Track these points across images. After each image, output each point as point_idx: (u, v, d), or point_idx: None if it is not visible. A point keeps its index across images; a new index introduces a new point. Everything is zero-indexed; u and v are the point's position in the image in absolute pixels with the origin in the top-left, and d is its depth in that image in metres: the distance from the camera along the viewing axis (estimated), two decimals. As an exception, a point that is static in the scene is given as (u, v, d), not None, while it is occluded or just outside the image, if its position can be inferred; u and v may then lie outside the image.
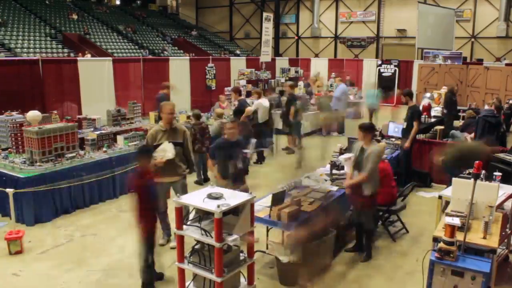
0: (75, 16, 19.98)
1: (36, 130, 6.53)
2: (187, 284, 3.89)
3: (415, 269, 5.00)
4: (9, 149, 7.09)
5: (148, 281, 4.43)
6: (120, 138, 8.00)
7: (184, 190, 5.17)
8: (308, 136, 11.52)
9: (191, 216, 3.86)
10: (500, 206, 4.52)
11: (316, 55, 26.60)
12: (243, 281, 3.97)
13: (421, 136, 9.52)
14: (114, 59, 13.49)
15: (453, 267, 3.57)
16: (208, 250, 3.63)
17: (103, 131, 7.88)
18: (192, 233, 3.70)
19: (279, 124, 10.85)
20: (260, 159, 9.65)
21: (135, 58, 15.64)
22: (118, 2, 29.89)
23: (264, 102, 9.84)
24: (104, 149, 7.51)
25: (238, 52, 26.34)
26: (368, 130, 5.30)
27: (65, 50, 18.09)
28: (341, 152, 7.20)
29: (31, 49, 16.70)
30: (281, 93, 12.57)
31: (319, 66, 22.00)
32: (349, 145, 7.29)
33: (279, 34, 26.23)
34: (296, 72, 19.49)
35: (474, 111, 10.42)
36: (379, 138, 7.95)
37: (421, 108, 11.24)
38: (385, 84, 18.07)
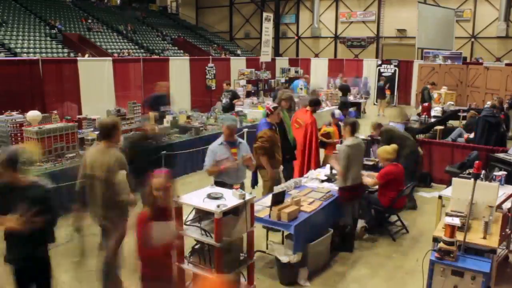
0: None
1: (36, 130, 6.53)
2: (187, 284, 3.89)
3: (415, 269, 5.00)
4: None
5: None
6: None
7: None
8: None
9: (191, 216, 3.86)
10: (500, 206, 4.52)
11: (316, 55, 26.59)
12: (243, 281, 3.97)
13: (421, 136, 9.54)
14: (114, 59, 13.50)
15: (453, 267, 3.57)
16: (208, 250, 3.63)
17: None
18: (192, 233, 3.70)
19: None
20: None
21: (135, 58, 15.64)
22: (118, 2, 29.85)
23: None
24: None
25: (239, 52, 26.33)
26: (344, 125, 5.54)
27: (65, 50, 18.08)
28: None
29: (31, 49, 16.68)
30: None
31: (319, 66, 22.00)
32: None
33: (279, 34, 26.21)
34: (296, 72, 19.50)
35: (477, 111, 10.42)
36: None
37: (420, 108, 11.31)
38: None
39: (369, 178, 5.92)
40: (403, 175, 6.04)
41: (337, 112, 7.94)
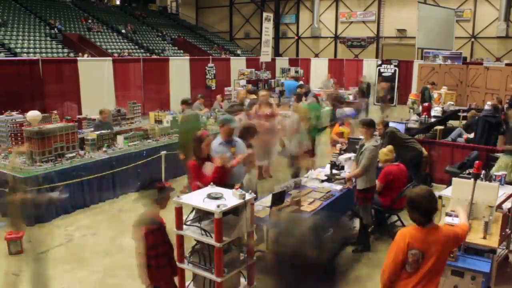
0: None
1: (36, 130, 6.53)
2: (187, 284, 3.89)
3: (415, 269, 4.99)
4: (9, 149, 7.09)
5: None
6: (120, 138, 7.99)
7: None
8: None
9: (191, 216, 3.86)
10: (500, 206, 4.52)
11: (316, 55, 26.59)
12: (243, 281, 3.97)
13: (421, 136, 9.52)
14: (114, 59, 13.51)
15: (453, 267, 3.57)
16: (208, 250, 3.62)
17: (103, 131, 7.88)
18: (192, 233, 3.70)
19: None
20: None
21: (135, 58, 15.66)
22: (118, 2, 29.85)
23: None
24: (104, 149, 7.51)
25: (239, 52, 26.33)
26: (367, 125, 5.44)
27: (65, 50, 18.09)
28: (341, 152, 7.20)
29: (31, 49, 16.69)
30: None
31: (319, 66, 21.99)
32: (349, 145, 7.29)
33: (279, 34, 26.22)
34: (296, 72, 19.49)
35: (477, 111, 10.39)
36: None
37: (420, 109, 11.29)
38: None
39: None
40: (405, 175, 6.03)
41: (347, 109, 7.98)
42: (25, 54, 15.87)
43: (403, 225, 6.16)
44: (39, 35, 18.68)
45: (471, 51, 22.37)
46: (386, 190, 5.84)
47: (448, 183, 5.59)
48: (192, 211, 3.87)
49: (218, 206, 3.44)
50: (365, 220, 5.54)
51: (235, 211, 3.69)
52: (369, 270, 5.13)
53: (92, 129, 8.20)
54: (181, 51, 23.11)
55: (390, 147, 6.06)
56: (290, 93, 12.81)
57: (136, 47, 21.71)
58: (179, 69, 15.03)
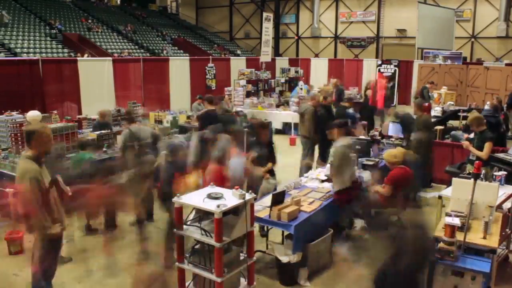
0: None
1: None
2: (187, 284, 3.89)
3: (415, 269, 4.98)
4: (9, 149, 7.09)
5: None
6: (120, 138, 7.98)
7: None
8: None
9: (191, 216, 3.86)
10: (500, 206, 4.52)
11: (316, 55, 26.59)
12: (243, 281, 3.97)
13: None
14: (114, 59, 13.51)
15: (453, 267, 3.58)
16: (208, 250, 3.62)
17: (103, 131, 7.88)
18: (192, 233, 3.70)
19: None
20: None
21: (135, 58, 15.66)
22: (118, 2, 29.84)
23: None
24: (104, 149, 7.50)
25: (239, 52, 26.33)
26: (334, 126, 5.66)
27: (65, 50, 18.09)
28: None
29: (31, 49, 16.69)
30: None
31: (319, 66, 21.98)
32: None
33: (279, 34, 26.22)
34: (296, 72, 19.49)
35: (478, 111, 10.36)
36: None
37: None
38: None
39: (379, 187, 5.81)
40: (411, 179, 5.90)
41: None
42: (25, 54, 15.86)
43: (403, 225, 6.15)
44: (39, 35, 18.68)
45: (471, 51, 22.38)
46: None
47: (448, 183, 5.59)
48: (192, 211, 3.87)
49: (218, 206, 3.44)
50: (340, 221, 5.52)
51: (235, 211, 3.69)
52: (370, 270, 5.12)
53: (92, 129, 8.20)
54: (181, 51, 23.12)
55: (400, 149, 5.95)
56: None
57: (136, 47, 21.71)
58: (179, 69, 15.03)
